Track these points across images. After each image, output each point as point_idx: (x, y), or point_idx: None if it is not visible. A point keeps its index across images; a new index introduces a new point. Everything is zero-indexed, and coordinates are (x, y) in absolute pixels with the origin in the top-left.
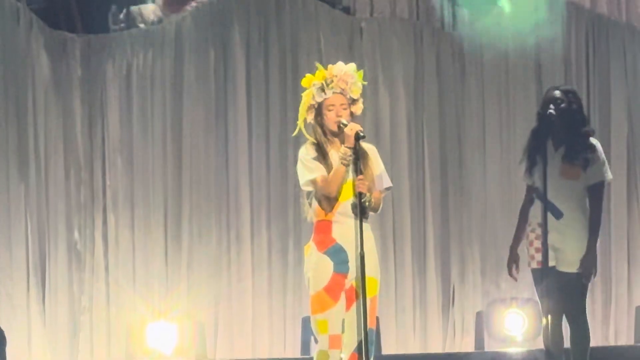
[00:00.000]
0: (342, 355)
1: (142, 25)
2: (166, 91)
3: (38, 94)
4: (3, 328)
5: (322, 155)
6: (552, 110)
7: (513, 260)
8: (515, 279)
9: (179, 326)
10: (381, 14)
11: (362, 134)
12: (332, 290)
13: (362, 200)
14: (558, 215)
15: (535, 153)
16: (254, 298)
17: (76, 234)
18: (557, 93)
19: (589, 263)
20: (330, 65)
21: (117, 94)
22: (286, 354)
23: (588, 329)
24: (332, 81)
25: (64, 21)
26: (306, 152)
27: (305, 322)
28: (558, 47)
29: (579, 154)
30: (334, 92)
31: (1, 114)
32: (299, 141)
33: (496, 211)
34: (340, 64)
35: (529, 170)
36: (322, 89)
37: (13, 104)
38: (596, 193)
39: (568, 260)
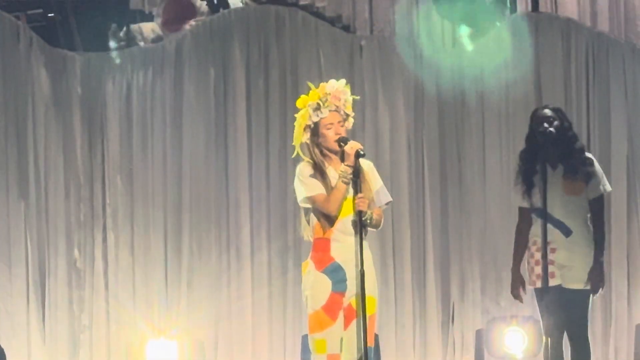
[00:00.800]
0: None
1: (141, 44)
2: (166, 109)
3: (38, 111)
4: (3, 346)
5: (319, 173)
6: (550, 128)
7: (519, 282)
8: (522, 301)
9: (179, 344)
10: (381, 32)
11: (362, 152)
12: (330, 309)
13: (364, 218)
14: (568, 232)
15: (531, 175)
16: (254, 316)
17: (76, 252)
18: (548, 112)
19: (597, 276)
20: (322, 84)
21: (117, 112)
22: None
23: (589, 347)
24: (327, 99)
25: (64, 39)
26: (304, 171)
27: (305, 340)
28: (558, 64)
29: (579, 170)
30: (329, 111)
31: (1, 132)
32: (299, 159)
33: (496, 228)
34: (332, 81)
35: (528, 193)
36: (318, 109)
37: (13, 121)
38: (598, 206)
39: (576, 277)
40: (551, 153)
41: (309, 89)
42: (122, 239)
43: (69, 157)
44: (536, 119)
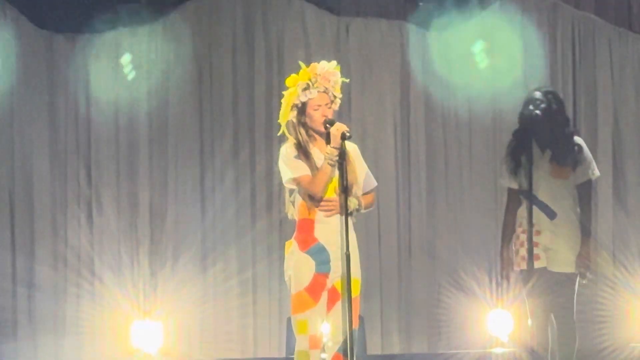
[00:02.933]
0: (325, 356)
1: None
2: (152, 91)
3: (23, 93)
4: None
5: (304, 154)
6: (535, 111)
7: (508, 263)
8: (509, 282)
9: (163, 326)
10: (367, 13)
11: (348, 134)
12: (313, 290)
13: (355, 208)
14: (552, 215)
15: (519, 154)
16: (239, 297)
17: (62, 232)
18: (538, 94)
19: (586, 262)
20: (313, 64)
21: (102, 94)
22: (271, 353)
23: (575, 330)
24: (317, 80)
25: (50, 20)
26: (288, 152)
27: (290, 322)
28: (544, 47)
29: (567, 155)
30: (318, 92)
31: None
32: (284, 138)
33: (482, 211)
34: (323, 62)
35: (514, 172)
36: (307, 89)
37: None
38: (586, 191)
39: (561, 260)
40: (539, 136)
41: (300, 68)
42: (107, 221)
43: (54, 139)
44: (526, 100)
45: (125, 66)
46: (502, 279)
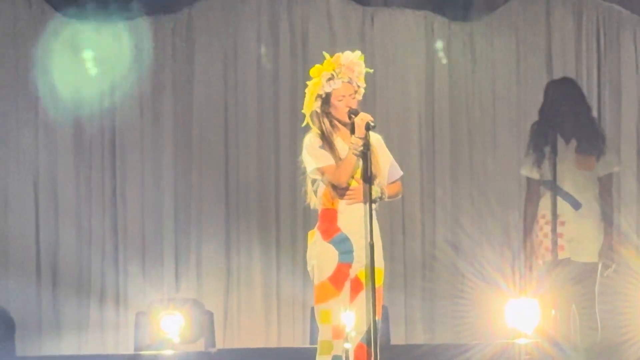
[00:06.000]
0: (348, 346)
1: None
2: (177, 80)
3: (46, 79)
4: (13, 317)
5: (328, 144)
6: (558, 100)
7: (531, 253)
8: (532, 272)
9: (188, 314)
10: (392, 3)
11: (372, 124)
12: (336, 280)
13: (378, 197)
14: (577, 206)
15: (542, 146)
16: (263, 287)
17: (86, 221)
18: (558, 84)
19: (609, 252)
20: (337, 54)
21: (126, 80)
22: (295, 343)
23: (597, 320)
24: (341, 71)
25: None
26: (313, 142)
27: (314, 312)
28: (569, 38)
29: (592, 145)
30: (342, 82)
31: (10, 103)
32: (308, 128)
33: (507, 201)
34: (347, 52)
35: (537, 163)
36: (332, 79)
37: (22, 90)
38: (608, 183)
39: (585, 251)
40: (563, 126)
41: (324, 58)
42: (131, 211)
43: (79, 130)
44: (548, 91)
45: (148, 56)
46: (526, 270)
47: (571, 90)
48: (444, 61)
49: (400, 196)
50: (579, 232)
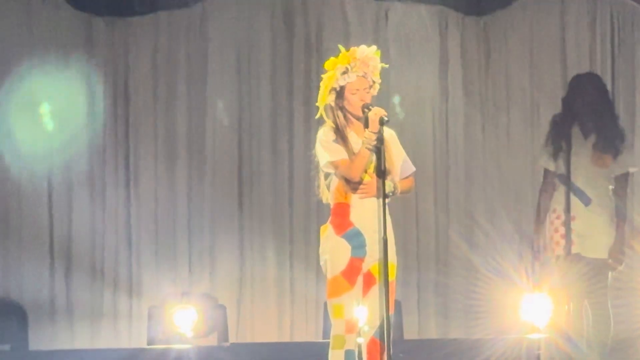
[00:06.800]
0: (361, 340)
1: None
2: (192, 74)
3: (62, 75)
4: (26, 308)
5: (341, 138)
6: (582, 95)
7: (541, 245)
8: (541, 264)
9: (201, 309)
10: None
11: (386, 119)
12: (349, 274)
13: (390, 191)
14: (587, 201)
15: (560, 139)
16: (276, 282)
17: (99, 216)
18: (583, 79)
19: (619, 250)
20: (353, 48)
21: (141, 77)
22: (308, 337)
23: (610, 315)
24: (356, 65)
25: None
26: (327, 135)
27: (326, 306)
28: (583, 33)
29: (611, 143)
30: (357, 76)
31: (27, 97)
32: (322, 121)
33: (520, 196)
34: (362, 47)
35: (554, 155)
36: (346, 72)
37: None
38: (624, 182)
39: (594, 247)
40: (584, 121)
41: (339, 52)
42: (145, 204)
43: (93, 125)
44: (571, 86)
45: (162, 52)
46: (535, 262)
47: (596, 86)
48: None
49: (412, 192)
50: (588, 228)
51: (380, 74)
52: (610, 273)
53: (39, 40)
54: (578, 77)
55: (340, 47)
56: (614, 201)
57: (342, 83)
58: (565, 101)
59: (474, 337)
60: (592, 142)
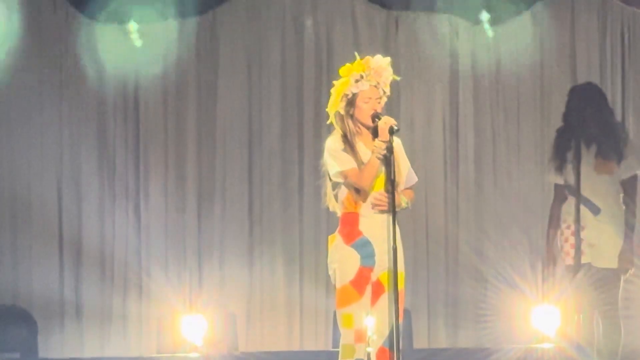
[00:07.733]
0: (370, 350)
1: None
2: (201, 82)
3: (71, 81)
4: (36, 316)
5: (350, 147)
6: (580, 106)
7: (553, 258)
8: (554, 277)
9: (210, 318)
10: (416, 7)
11: (396, 128)
12: (358, 283)
13: (399, 208)
14: (596, 211)
15: (565, 151)
16: (286, 291)
17: (109, 224)
18: (579, 89)
19: (628, 258)
20: (368, 57)
21: (151, 83)
22: (317, 347)
23: (620, 325)
24: (370, 73)
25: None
26: (335, 145)
27: (336, 315)
28: (594, 43)
29: (612, 149)
30: (370, 85)
31: (36, 106)
32: (332, 127)
33: (530, 206)
34: (377, 56)
35: (560, 168)
36: (360, 80)
37: (47, 93)
38: (631, 187)
39: (604, 256)
40: (585, 131)
41: (349, 61)
42: (154, 215)
43: (102, 134)
44: (570, 96)
45: (174, 57)
46: (548, 274)
47: (593, 95)
48: (490, 34)
49: (412, 203)
50: (598, 238)
51: (390, 85)
52: (621, 283)
53: (39, 45)
54: (574, 89)
55: (356, 54)
56: (623, 209)
57: (354, 90)
58: (565, 114)
59: (483, 347)
60: (593, 151)
